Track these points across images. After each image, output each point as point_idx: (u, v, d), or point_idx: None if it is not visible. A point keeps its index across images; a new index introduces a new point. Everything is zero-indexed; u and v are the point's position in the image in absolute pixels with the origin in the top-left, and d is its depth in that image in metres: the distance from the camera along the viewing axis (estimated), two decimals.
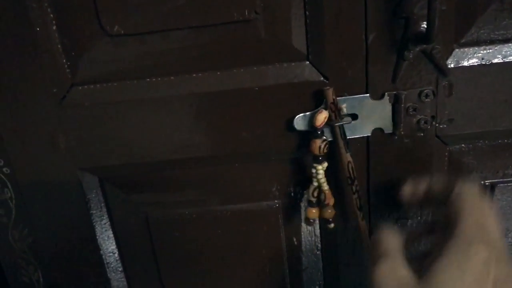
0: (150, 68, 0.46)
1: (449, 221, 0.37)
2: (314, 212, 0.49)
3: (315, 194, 0.49)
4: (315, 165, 0.47)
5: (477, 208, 0.37)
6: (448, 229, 0.37)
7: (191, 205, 0.53)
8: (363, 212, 0.48)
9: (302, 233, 0.54)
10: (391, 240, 0.39)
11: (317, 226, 0.54)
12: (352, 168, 0.46)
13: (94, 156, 0.49)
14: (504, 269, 0.35)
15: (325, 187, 0.48)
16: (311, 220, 0.50)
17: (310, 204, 0.49)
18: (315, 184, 0.48)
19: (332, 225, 0.50)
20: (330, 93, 0.44)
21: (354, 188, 0.47)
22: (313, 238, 0.55)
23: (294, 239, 0.55)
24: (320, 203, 0.49)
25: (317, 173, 0.47)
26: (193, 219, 0.53)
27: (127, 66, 0.46)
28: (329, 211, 0.49)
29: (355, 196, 0.47)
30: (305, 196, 0.52)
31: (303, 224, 0.54)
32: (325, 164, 0.47)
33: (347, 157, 0.46)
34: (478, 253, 0.34)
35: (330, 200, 0.49)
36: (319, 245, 0.55)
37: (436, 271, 0.34)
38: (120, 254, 0.56)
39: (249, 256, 0.56)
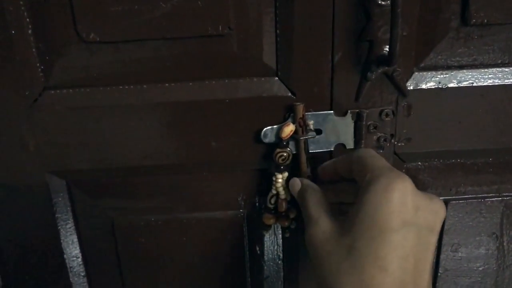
0: (124, 75, 0.47)
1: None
2: (270, 218, 0.51)
3: (273, 201, 0.51)
4: (276, 173, 0.49)
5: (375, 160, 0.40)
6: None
7: (158, 212, 0.54)
8: None
9: (265, 243, 0.56)
10: (312, 202, 0.43)
11: (280, 236, 0.56)
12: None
13: (62, 159, 0.50)
14: (421, 197, 0.37)
15: (283, 196, 0.50)
16: (267, 226, 0.52)
17: (267, 210, 0.51)
18: (274, 191, 0.50)
19: (287, 234, 0.52)
20: (300, 109, 0.46)
21: None
22: (275, 248, 0.56)
23: (257, 248, 0.56)
24: (277, 211, 0.51)
25: (276, 181, 0.49)
26: (159, 226, 0.54)
27: (100, 73, 0.47)
28: (285, 219, 0.51)
29: None
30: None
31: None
32: (286, 174, 0.49)
33: (307, 171, 0.49)
34: (394, 186, 0.36)
35: (287, 209, 0.51)
36: (281, 255, 0.57)
37: (360, 205, 0.37)
38: (83, 258, 0.56)
39: (212, 264, 0.57)
